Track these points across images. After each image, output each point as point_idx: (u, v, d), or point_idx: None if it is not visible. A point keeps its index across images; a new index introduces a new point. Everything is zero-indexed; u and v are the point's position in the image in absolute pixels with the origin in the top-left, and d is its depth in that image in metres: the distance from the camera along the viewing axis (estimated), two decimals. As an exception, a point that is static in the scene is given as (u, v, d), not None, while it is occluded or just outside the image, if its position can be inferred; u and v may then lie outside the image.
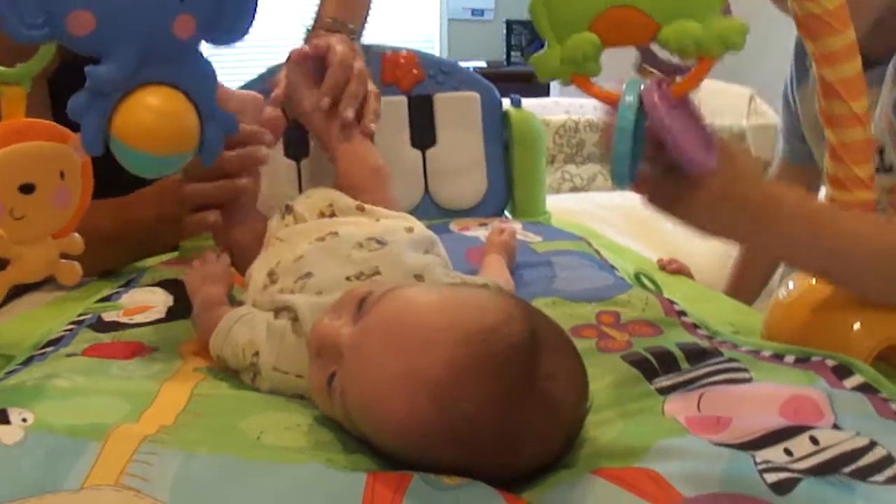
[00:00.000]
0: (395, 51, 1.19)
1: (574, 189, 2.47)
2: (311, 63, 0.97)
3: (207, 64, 0.57)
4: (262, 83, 1.06)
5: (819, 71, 0.75)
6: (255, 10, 0.58)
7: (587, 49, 0.65)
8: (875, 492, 0.48)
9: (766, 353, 0.70)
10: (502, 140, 1.22)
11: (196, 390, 0.63)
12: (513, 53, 4.66)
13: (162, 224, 0.95)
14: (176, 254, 1.05)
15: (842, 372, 0.64)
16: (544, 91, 3.49)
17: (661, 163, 0.67)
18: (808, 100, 0.78)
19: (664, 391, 0.64)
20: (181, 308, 0.79)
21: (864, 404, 0.58)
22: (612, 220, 1.58)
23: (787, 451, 0.52)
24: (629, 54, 0.69)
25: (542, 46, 0.66)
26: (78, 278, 0.57)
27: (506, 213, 1.25)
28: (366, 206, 0.82)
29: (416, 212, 1.07)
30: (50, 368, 0.65)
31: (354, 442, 0.55)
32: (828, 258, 0.71)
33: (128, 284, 0.91)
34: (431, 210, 1.16)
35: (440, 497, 0.47)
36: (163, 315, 0.80)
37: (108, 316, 0.79)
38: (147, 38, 0.54)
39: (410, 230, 0.78)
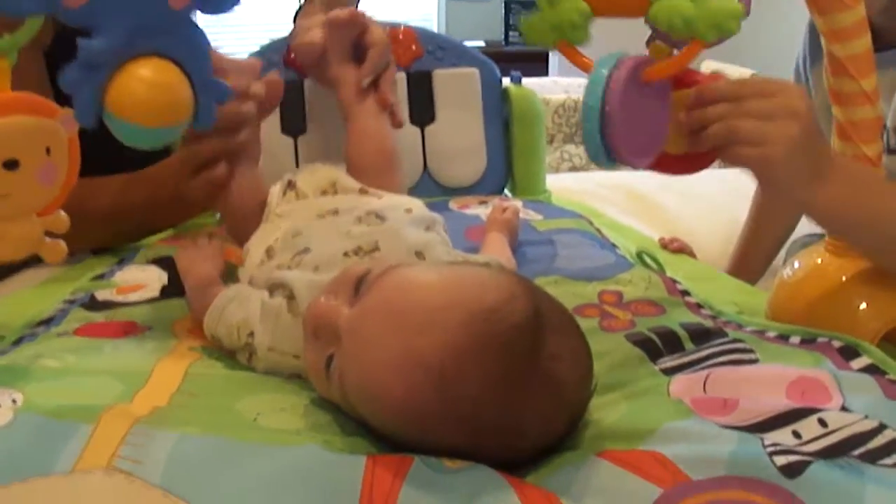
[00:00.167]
0: (394, 27, 1.17)
1: (573, 169, 2.45)
2: (346, 30, 0.97)
3: (200, 33, 0.56)
4: (261, 56, 1.05)
5: (828, 47, 0.73)
6: None
7: (574, 16, 0.64)
8: (885, 475, 0.47)
9: (772, 334, 0.69)
10: (502, 117, 1.21)
11: (191, 370, 0.61)
12: (511, 33, 4.62)
13: (166, 204, 0.94)
14: (171, 231, 1.03)
15: (848, 353, 0.63)
16: (543, 70, 3.46)
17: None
18: (821, 80, 0.76)
19: (669, 372, 0.63)
20: (175, 286, 0.78)
21: (871, 386, 0.57)
22: (613, 199, 1.57)
23: (796, 434, 0.51)
24: (630, 27, 0.67)
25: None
26: (63, 256, 0.56)
27: (506, 191, 1.23)
28: (370, 189, 0.80)
29: (415, 190, 1.05)
30: (40, 348, 0.64)
31: (352, 424, 0.54)
32: (872, 222, 0.70)
33: (122, 262, 0.90)
34: (430, 188, 1.14)
35: (442, 480, 0.45)
36: (157, 293, 0.79)
37: (101, 294, 0.78)
38: (140, 9, 0.53)
39: (409, 211, 0.76)
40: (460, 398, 0.48)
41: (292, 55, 1.08)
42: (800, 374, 0.59)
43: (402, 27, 1.17)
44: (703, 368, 0.62)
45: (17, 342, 0.68)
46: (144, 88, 0.53)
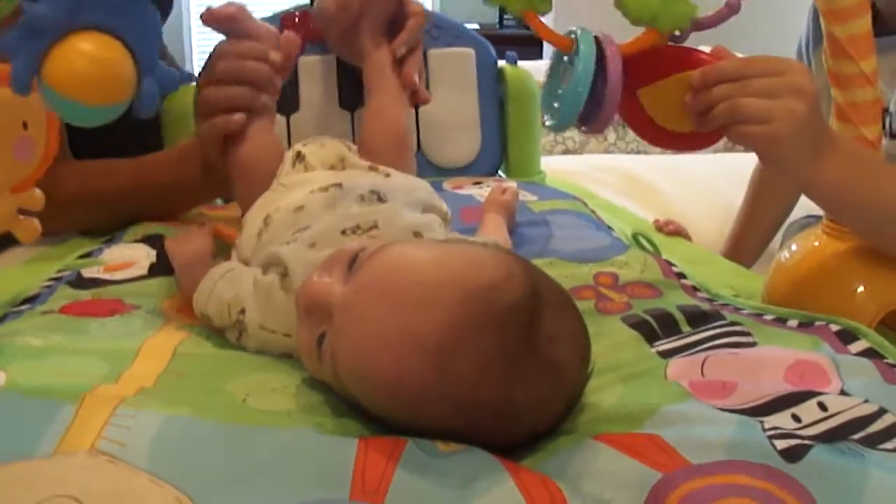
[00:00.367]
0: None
1: (566, 152, 2.43)
2: None
3: (153, 14, 0.54)
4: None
5: (828, 28, 0.73)
6: None
7: None
8: (886, 459, 0.46)
9: (769, 317, 0.69)
10: (497, 98, 1.19)
11: (179, 349, 0.60)
12: (506, 17, 4.59)
13: (178, 188, 0.93)
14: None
15: (846, 337, 0.63)
16: (537, 54, 3.44)
17: None
18: (823, 63, 0.76)
19: (665, 354, 0.62)
20: (164, 264, 0.76)
21: (870, 370, 0.57)
22: (607, 181, 1.56)
23: (795, 417, 0.50)
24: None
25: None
26: (36, 236, 0.54)
27: (500, 172, 1.22)
28: (379, 167, 0.79)
29: (408, 170, 1.04)
30: (25, 326, 0.63)
31: (344, 405, 0.52)
32: (872, 202, 0.70)
33: (109, 241, 0.88)
34: (424, 168, 1.13)
35: (436, 464, 0.44)
36: (145, 272, 0.77)
37: (88, 272, 0.76)
38: None
39: (412, 192, 0.75)
40: (456, 378, 0.46)
41: (296, 19, 1.05)
42: (798, 357, 0.58)
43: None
44: (700, 351, 0.61)
45: (1, 320, 0.66)
46: (83, 63, 0.51)
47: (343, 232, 0.66)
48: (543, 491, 0.43)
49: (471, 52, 1.16)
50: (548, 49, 3.54)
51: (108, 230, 0.92)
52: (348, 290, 0.51)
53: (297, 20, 1.03)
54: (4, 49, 0.50)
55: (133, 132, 0.86)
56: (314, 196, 0.71)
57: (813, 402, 0.51)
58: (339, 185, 0.72)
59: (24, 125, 0.51)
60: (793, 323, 0.67)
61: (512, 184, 1.03)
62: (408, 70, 0.93)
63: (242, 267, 0.67)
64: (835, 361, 0.57)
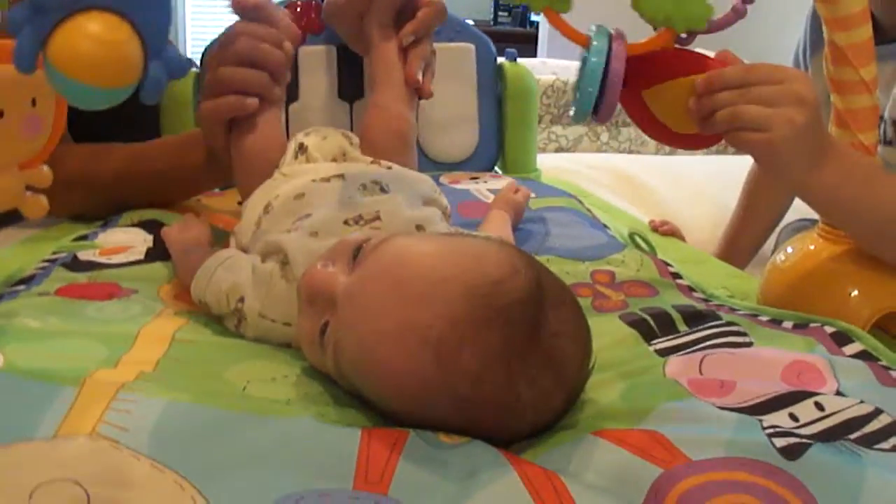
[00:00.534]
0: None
1: (559, 150, 2.44)
2: None
3: (166, 0, 0.53)
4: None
5: (830, 36, 0.74)
6: None
7: None
8: (882, 459, 0.47)
9: (764, 318, 0.69)
10: (496, 94, 1.19)
11: (177, 335, 0.59)
12: (500, 13, 4.59)
13: (177, 177, 0.92)
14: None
15: (841, 339, 0.63)
16: (532, 52, 3.44)
17: None
18: (821, 69, 0.76)
19: (663, 353, 0.62)
20: (160, 249, 0.76)
21: (865, 372, 0.57)
22: (601, 180, 1.56)
23: (793, 417, 0.51)
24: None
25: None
26: (44, 213, 0.54)
27: (496, 168, 1.22)
28: (381, 161, 0.78)
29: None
30: (21, 307, 0.62)
31: (344, 395, 0.52)
32: (868, 209, 0.71)
33: (105, 224, 0.87)
34: (421, 162, 1.12)
35: (439, 455, 0.44)
36: (141, 256, 0.77)
37: (84, 255, 0.76)
38: None
39: (415, 185, 0.75)
40: (459, 372, 0.46)
41: (298, 8, 1.04)
42: (795, 357, 0.58)
43: None
44: (697, 350, 0.61)
45: (-3, 301, 0.66)
46: (89, 44, 0.50)
47: (346, 222, 0.65)
48: (546, 483, 0.43)
49: (471, 47, 1.16)
50: (541, 47, 3.55)
51: (103, 215, 0.91)
52: (352, 280, 0.51)
53: (298, 9, 1.02)
54: (10, 24, 0.49)
55: (129, 117, 0.85)
56: (316, 185, 0.71)
57: (810, 402, 0.52)
58: (342, 176, 0.72)
59: (33, 102, 0.50)
60: (788, 324, 0.67)
61: (509, 180, 1.03)
62: (410, 66, 0.90)
63: (241, 254, 0.67)
64: (831, 363, 0.58)
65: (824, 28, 0.74)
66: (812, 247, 0.79)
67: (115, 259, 0.75)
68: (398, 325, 0.47)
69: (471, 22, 1.31)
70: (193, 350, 0.58)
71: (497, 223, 0.84)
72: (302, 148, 0.78)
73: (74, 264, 0.74)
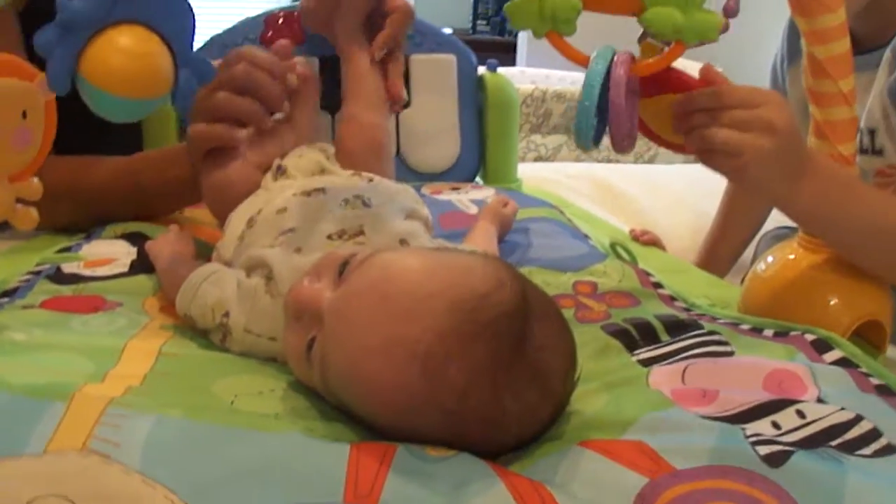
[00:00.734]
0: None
1: (539, 159, 2.45)
2: None
3: (187, 6, 0.54)
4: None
5: (809, 49, 0.75)
6: None
7: (567, 11, 0.66)
8: (863, 465, 0.48)
9: (745, 327, 0.70)
10: (477, 105, 1.20)
11: (164, 349, 0.59)
12: (479, 22, 4.61)
13: (163, 191, 0.91)
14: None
15: (821, 346, 0.64)
16: (510, 61, 3.45)
17: None
18: (798, 80, 0.78)
19: (646, 363, 0.63)
20: (145, 261, 0.76)
21: (845, 379, 0.58)
22: (581, 189, 1.58)
23: (775, 425, 0.51)
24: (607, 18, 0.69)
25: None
26: (34, 224, 0.54)
27: (478, 179, 1.22)
28: (362, 173, 0.78)
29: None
30: (6, 321, 0.62)
31: (331, 410, 0.53)
32: (847, 221, 0.73)
33: (89, 236, 0.87)
34: (403, 173, 1.13)
35: (427, 468, 0.45)
36: (126, 269, 0.76)
37: (68, 267, 0.75)
38: None
39: (396, 198, 0.75)
40: (446, 386, 0.47)
41: (280, 20, 1.03)
42: (775, 366, 0.59)
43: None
44: (680, 360, 0.62)
45: (-20, 314, 0.65)
46: (122, 58, 0.51)
47: (329, 237, 0.65)
48: (534, 494, 0.43)
49: (452, 58, 1.17)
50: (520, 56, 3.56)
51: (88, 227, 0.90)
52: (339, 296, 0.51)
53: (280, 21, 1.02)
54: (40, 47, 0.49)
55: (111, 130, 0.85)
56: (298, 199, 0.71)
57: (791, 410, 0.52)
58: (323, 190, 0.72)
59: (24, 114, 0.51)
60: (769, 332, 0.68)
61: (491, 191, 1.03)
62: (393, 83, 0.90)
63: (226, 269, 0.67)
64: (811, 370, 0.58)
65: (802, 41, 0.75)
66: (792, 256, 0.80)
67: (100, 272, 0.75)
68: (385, 340, 0.47)
69: (449, 30, 1.32)
70: (180, 364, 0.58)
71: (483, 236, 0.84)
72: (280, 169, 0.78)
73: (59, 277, 0.73)
